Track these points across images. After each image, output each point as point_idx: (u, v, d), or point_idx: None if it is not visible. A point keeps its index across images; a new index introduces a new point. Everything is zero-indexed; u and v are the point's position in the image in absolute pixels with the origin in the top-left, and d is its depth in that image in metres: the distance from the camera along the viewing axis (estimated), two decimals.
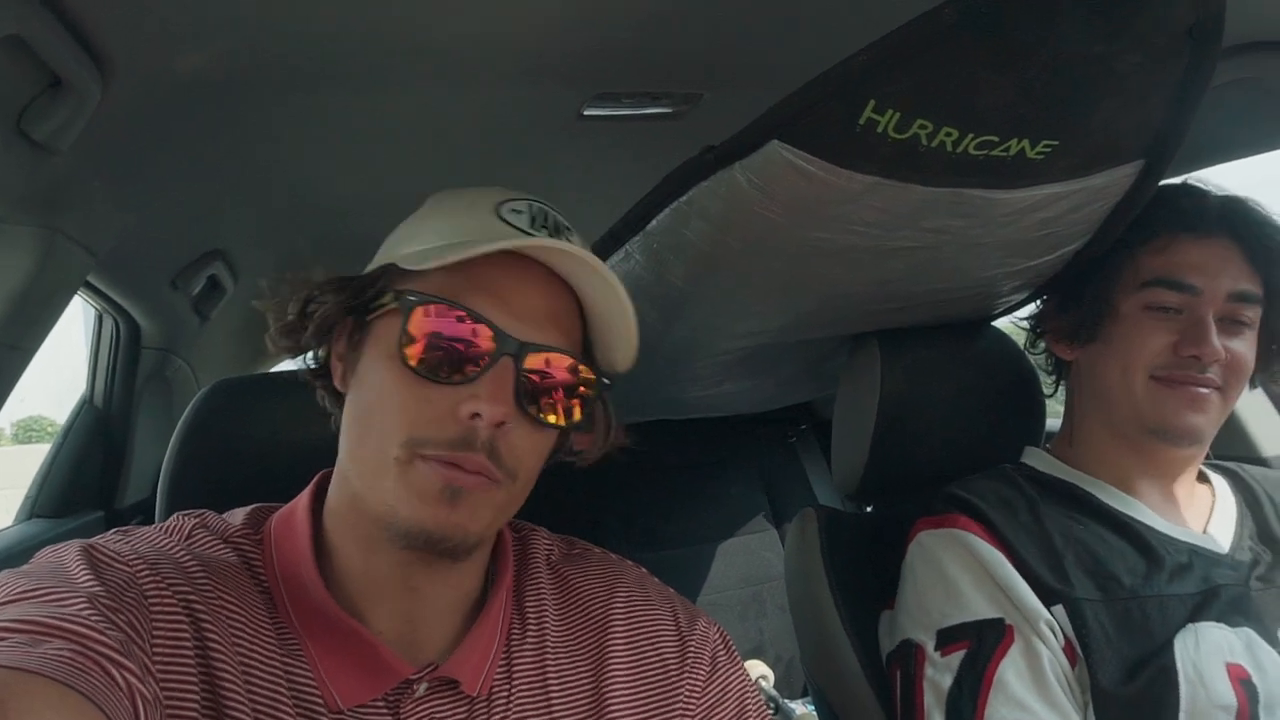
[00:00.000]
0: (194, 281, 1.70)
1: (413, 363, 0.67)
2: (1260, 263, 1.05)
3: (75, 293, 1.27)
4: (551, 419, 0.72)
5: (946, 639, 1.01)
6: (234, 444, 1.03)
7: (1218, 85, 0.90)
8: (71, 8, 0.81)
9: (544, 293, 0.72)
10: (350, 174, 1.46)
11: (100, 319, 1.80)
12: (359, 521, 0.71)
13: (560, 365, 0.72)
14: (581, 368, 0.73)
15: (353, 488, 0.71)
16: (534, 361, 0.70)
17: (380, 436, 0.68)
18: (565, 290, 0.74)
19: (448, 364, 0.67)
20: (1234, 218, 1.06)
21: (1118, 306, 1.08)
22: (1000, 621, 0.99)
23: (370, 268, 0.76)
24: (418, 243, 0.74)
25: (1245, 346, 1.05)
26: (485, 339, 0.68)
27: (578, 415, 0.74)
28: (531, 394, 0.70)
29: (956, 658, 0.99)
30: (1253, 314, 1.05)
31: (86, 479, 1.83)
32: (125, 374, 1.84)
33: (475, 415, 0.67)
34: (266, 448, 1.01)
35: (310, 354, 0.79)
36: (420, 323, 0.68)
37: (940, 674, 0.99)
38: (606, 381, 0.76)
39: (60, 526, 1.71)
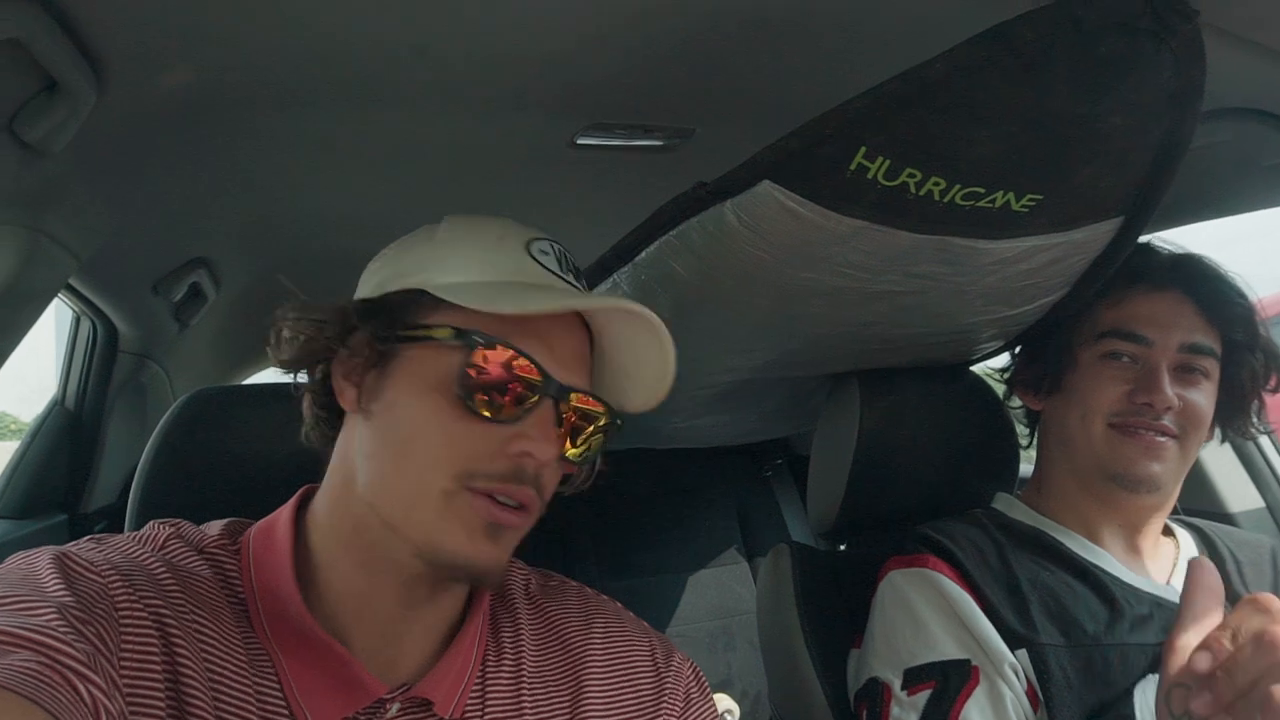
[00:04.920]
0: (176, 288, 1.69)
1: (472, 401, 0.69)
2: (1215, 317, 1.09)
3: (56, 295, 1.26)
4: (576, 455, 0.76)
5: (913, 678, 1.01)
6: (210, 455, 1.01)
7: (1195, 147, 0.92)
8: (74, 14, 0.81)
9: (576, 338, 0.76)
10: (337, 191, 1.45)
11: (77, 320, 1.78)
12: (363, 543, 0.71)
13: (587, 406, 0.76)
14: (603, 408, 0.77)
15: (379, 514, 0.71)
16: (569, 403, 0.73)
17: (424, 468, 0.69)
18: (587, 332, 0.77)
19: (502, 403, 0.70)
20: (1185, 272, 1.10)
21: (1077, 357, 1.12)
22: (966, 663, 0.99)
23: (392, 287, 0.75)
24: (455, 274, 0.74)
25: (1201, 396, 1.08)
26: (535, 381, 0.71)
27: (594, 450, 0.78)
28: (565, 433, 0.74)
29: (922, 697, 0.99)
30: (1208, 365, 1.08)
31: (52, 481, 1.80)
32: (99, 377, 1.82)
33: (525, 454, 0.69)
34: (242, 460, 1.00)
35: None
36: (482, 362, 0.70)
37: (906, 713, 0.99)
38: (619, 422, 0.78)
39: (23, 528, 1.69)
